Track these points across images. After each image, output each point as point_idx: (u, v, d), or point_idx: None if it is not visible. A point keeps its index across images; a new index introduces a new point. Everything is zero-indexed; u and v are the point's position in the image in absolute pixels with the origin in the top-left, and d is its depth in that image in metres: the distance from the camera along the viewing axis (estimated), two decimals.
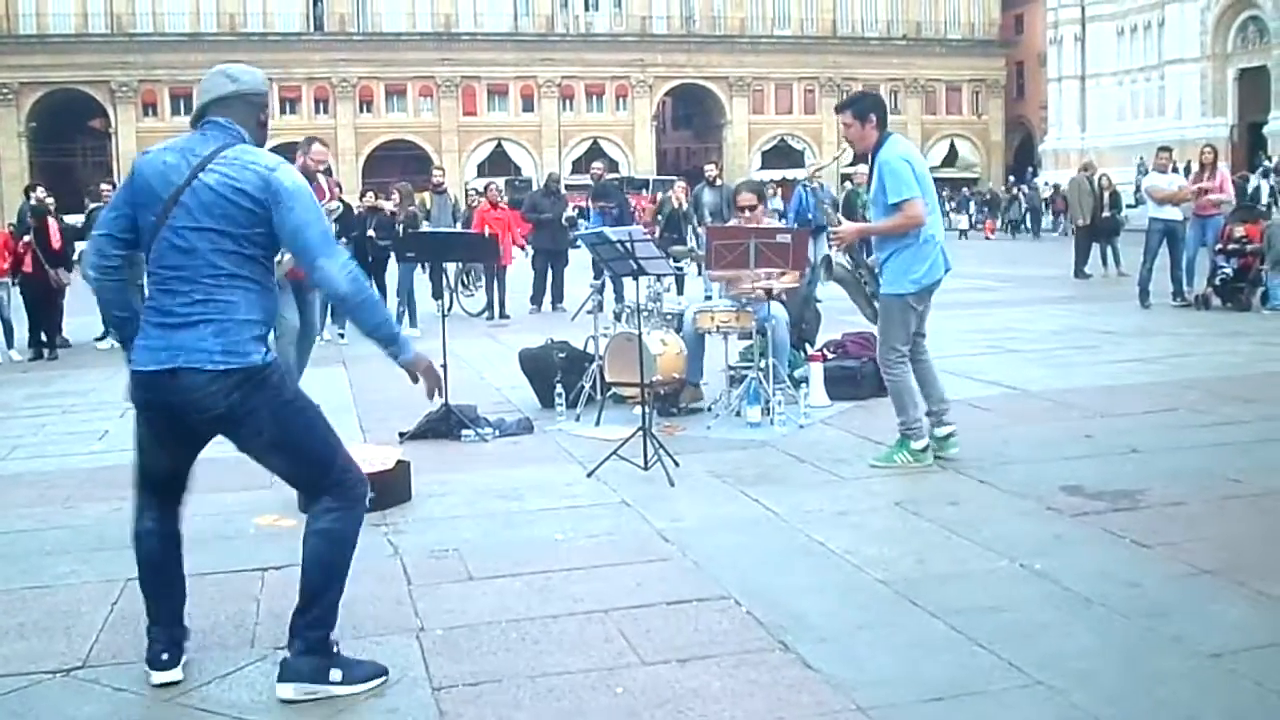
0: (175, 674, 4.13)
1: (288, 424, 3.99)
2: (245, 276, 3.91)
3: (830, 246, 7.79)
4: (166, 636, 4.16)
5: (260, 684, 4.12)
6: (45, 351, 14.47)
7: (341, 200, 11.38)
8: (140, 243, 3.99)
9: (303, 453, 4.05)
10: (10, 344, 14.55)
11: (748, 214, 9.41)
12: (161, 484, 4.19)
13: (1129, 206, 27.54)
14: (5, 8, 55.98)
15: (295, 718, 3.89)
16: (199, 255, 3.85)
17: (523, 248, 18.94)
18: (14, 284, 14.73)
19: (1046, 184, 47.85)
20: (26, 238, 14.47)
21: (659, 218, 18.70)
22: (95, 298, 4.14)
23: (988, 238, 39.59)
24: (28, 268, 14.49)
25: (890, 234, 7.05)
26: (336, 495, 4.06)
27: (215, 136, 3.97)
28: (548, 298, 17.90)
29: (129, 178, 4.02)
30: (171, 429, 4.01)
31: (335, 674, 4.01)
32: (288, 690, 3.97)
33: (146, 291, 3.99)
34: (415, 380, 4.20)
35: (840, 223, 7.71)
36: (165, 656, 4.13)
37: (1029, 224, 44.23)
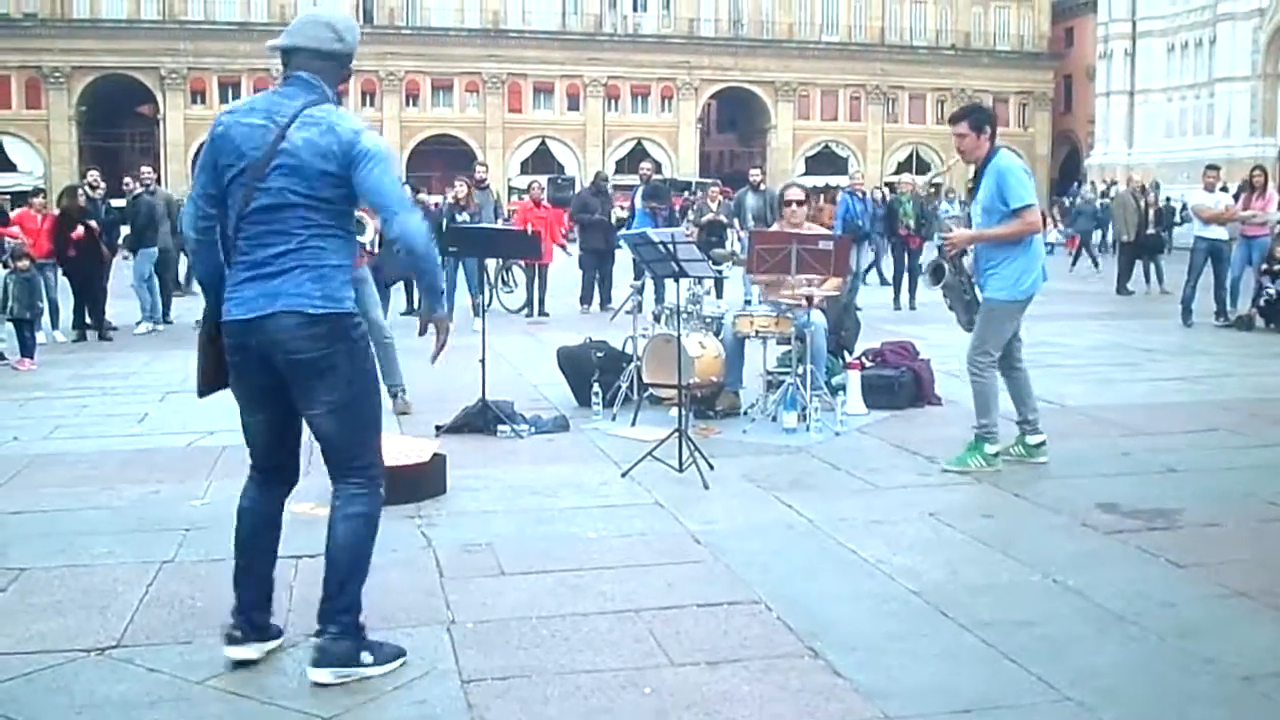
0: (244, 651, 4.18)
1: (360, 389, 4.08)
2: (334, 227, 4.00)
3: (939, 252, 7.72)
4: (242, 617, 4.21)
5: (292, 669, 4.16)
6: (97, 333, 14.61)
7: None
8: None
9: (360, 423, 4.11)
10: (55, 325, 14.69)
11: (793, 208, 9.51)
12: (265, 458, 4.25)
13: (1174, 224, 27.37)
14: None
15: (325, 705, 3.90)
16: (294, 212, 3.93)
17: (563, 246, 18.92)
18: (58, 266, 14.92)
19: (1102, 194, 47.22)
20: (79, 230, 14.62)
21: (698, 224, 18.55)
22: (192, 257, 4.33)
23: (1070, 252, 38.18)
24: (72, 250, 14.62)
25: (1005, 240, 7.13)
26: (366, 479, 4.13)
27: (298, 94, 3.99)
28: (596, 297, 17.89)
29: (213, 138, 4.06)
30: (260, 378, 4.07)
31: (366, 656, 4.08)
32: (324, 675, 4.01)
33: (234, 246, 4.03)
34: (423, 332, 4.31)
35: (952, 229, 7.67)
36: (238, 634, 4.19)
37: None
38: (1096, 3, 61.09)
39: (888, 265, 20.52)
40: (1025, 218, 7.10)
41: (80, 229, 14.56)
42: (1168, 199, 23.55)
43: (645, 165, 20.58)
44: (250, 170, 3.92)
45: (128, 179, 16.63)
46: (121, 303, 15.75)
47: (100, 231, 15.01)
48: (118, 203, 17.06)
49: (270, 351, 3.98)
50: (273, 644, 4.29)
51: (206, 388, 4.29)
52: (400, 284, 16.18)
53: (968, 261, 7.53)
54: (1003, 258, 7.16)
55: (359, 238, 8.60)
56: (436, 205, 16.93)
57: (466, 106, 62.13)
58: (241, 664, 4.16)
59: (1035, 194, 7.29)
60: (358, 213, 8.30)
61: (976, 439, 7.25)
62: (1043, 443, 7.45)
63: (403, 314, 16.28)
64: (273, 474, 4.27)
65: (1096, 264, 28.44)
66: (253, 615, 4.22)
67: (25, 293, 12.70)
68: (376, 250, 9.25)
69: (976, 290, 7.42)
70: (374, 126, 4.21)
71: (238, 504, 4.30)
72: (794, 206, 9.62)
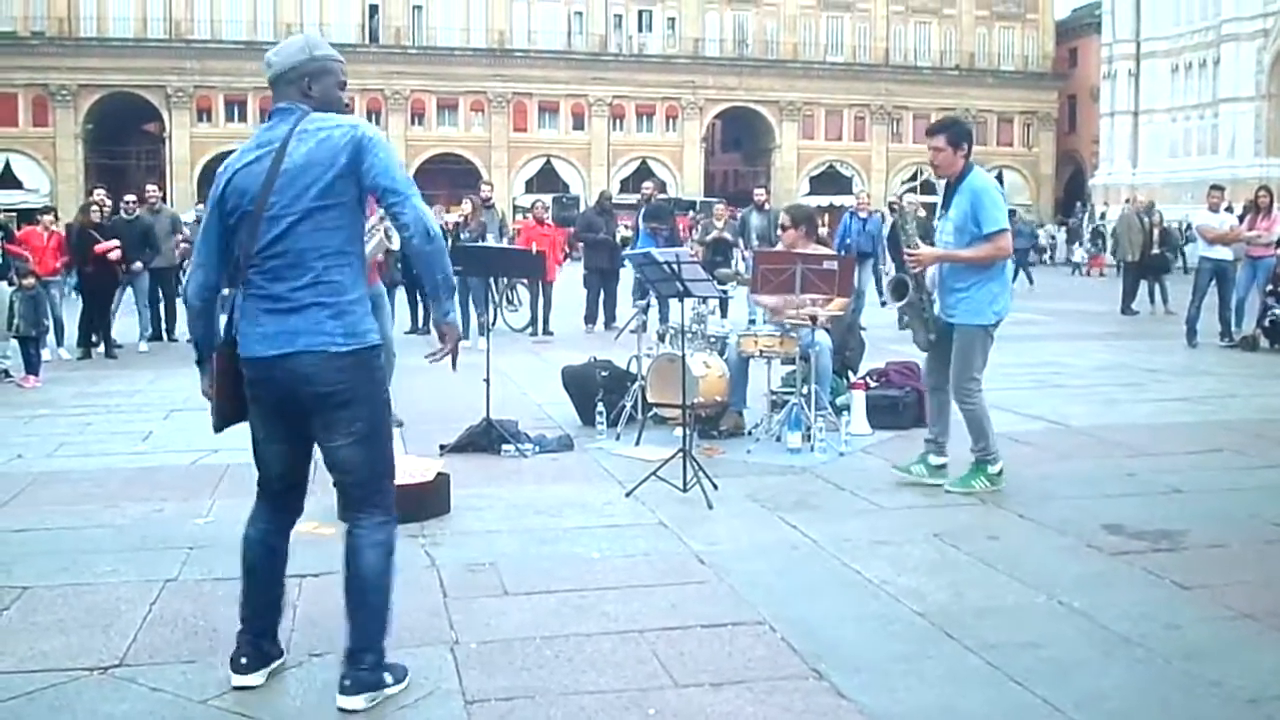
0: (250, 679, 4.17)
1: (379, 421, 4.09)
2: (348, 252, 3.98)
3: (902, 269, 7.65)
4: (248, 642, 4.21)
5: (295, 689, 4.15)
6: (106, 350, 14.65)
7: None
8: (227, 263, 4.09)
9: (380, 453, 4.11)
10: (60, 342, 14.71)
11: (780, 232, 9.62)
12: (276, 486, 4.24)
13: (1181, 245, 27.39)
14: (67, 10, 56.72)
15: None
16: (302, 237, 3.92)
17: (559, 264, 18.91)
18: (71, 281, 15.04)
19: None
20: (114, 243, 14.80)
21: (703, 242, 18.57)
22: (190, 324, 4.25)
23: (1102, 273, 37.55)
24: (90, 265, 14.73)
25: (976, 263, 7.05)
26: (386, 507, 4.13)
27: (281, 121, 4.03)
28: (600, 316, 17.92)
29: (219, 191, 4.06)
30: (282, 410, 4.07)
31: (388, 677, 4.08)
32: (359, 701, 3.98)
33: (245, 281, 4.02)
34: (442, 342, 4.24)
35: (918, 246, 7.44)
36: (244, 661, 4.18)
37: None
38: (1101, 23, 61.27)
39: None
40: (997, 242, 7.02)
41: (116, 252, 14.75)
42: (1164, 221, 23.44)
43: (647, 185, 20.50)
44: (259, 201, 3.93)
45: (128, 197, 16.62)
46: (125, 320, 15.76)
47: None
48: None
49: (294, 386, 3.97)
50: (274, 664, 4.29)
51: (223, 423, 4.25)
52: (385, 296, 16.15)
53: (929, 279, 7.42)
54: (972, 281, 7.06)
55: (389, 244, 8.71)
56: (445, 225, 16.99)
57: (472, 125, 62.31)
58: (242, 689, 4.14)
59: (1008, 218, 7.21)
60: (384, 223, 8.51)
61: (978, 461, 7.23)
62: (944, 465, 7.35)
63: (406, 333, 16.30)
64: (281, 500, 4.26)
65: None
66: (260, 643, 4.22)
67: (31, 310, 12.72)
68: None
69: (934, 309, 7.35)
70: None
71: (244, 532, 4.28)
72: (780, 231, 9.74)
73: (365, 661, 4.02)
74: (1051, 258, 46.76)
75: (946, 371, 7.32)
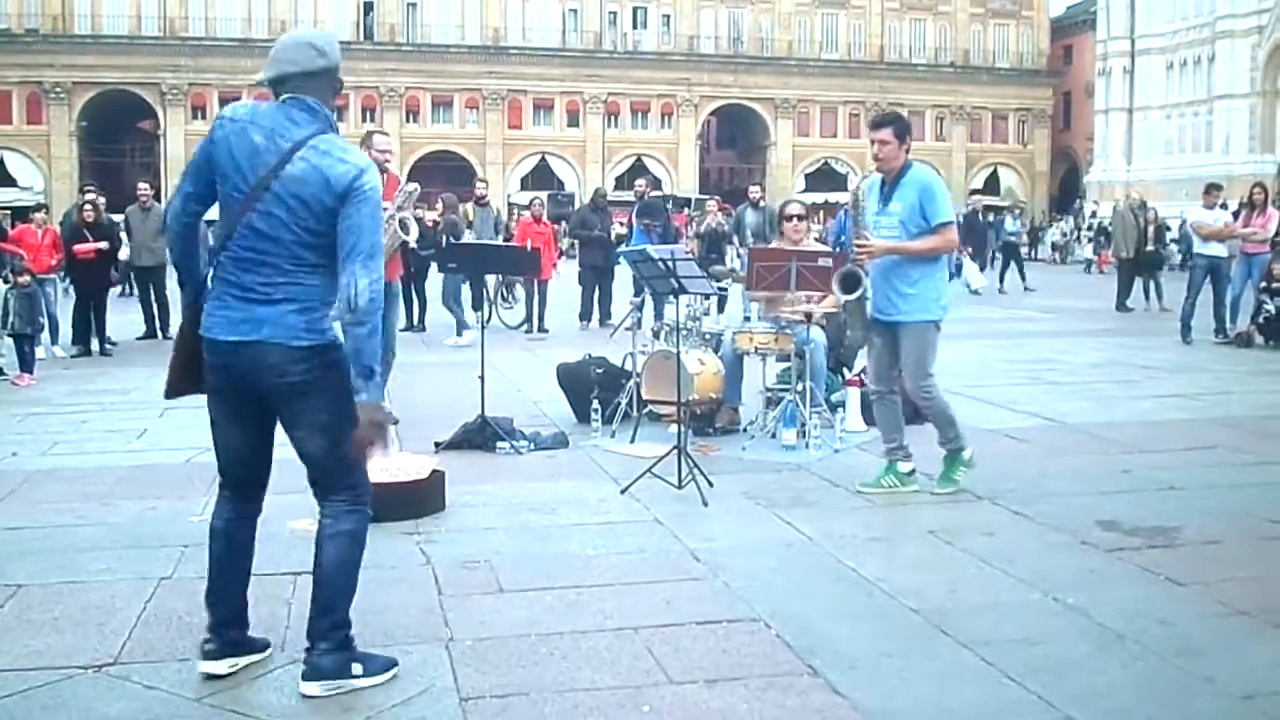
0: (214, 666, 4.18)
1: (344, 410, 4.02)
2: (325, 265, 3.95)
3: (852, 262, 7.53)
4: (214, 632, 4.22)
5: (290, 687, 4.14)
6: (100, 347, 14.66)
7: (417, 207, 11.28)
8: (212, 199, 4.07)
9: (344, 442, 4.08)
10: (55, 340, 14.68)
11: (795, 223, 9.52)
12: (237, 476, 4.25)
13: (1174, 241, 27.34)
14: (62, 8, 56.65)
15: None
16: (283, 244, 3.92)
17: (554, 264, 18.92)
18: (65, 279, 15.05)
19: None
20: (103, 245, 14.91)
21: (699, 238, 18.58)
22: (169, 242, 4.24)
23: (1102, 271, 37.68)
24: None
25: (924, 256, 7.03)
26: (352, 496, 4.14)
27: (303, 120, 3.98)
28: (595, 313, 17.93)
29: (210, 143, 4.03)
30: (240, 398, 4.08)
31: (356, 668, 4.09)
32: (314, 688, 4.03)
33: (217, 262, 4.02)
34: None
35: (868, 238, 7.16)
36: (209, 648, 4.20)
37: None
38: (1095, 20, 61.35)
39: None
40: (945, 234, 7.02)
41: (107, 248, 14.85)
42: (1158, 218, 23.35)
43: (640, 182, 20.42)
44: (250, 191, 3.91)
45: (88, 196, 16.49)
46: (118, 317, 15.74)
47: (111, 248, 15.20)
48: (116, 217, 17.11)
49: (254, 375, 3.99)
50: (252, 658, 4.29)
51: (174, 390, 4.28)
52: (399, 297, 16.20)
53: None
54: (919, 276, 7.01)
55: (404, 236, 8.74)
56: (435, 223, 17.01)
57: (466, 122, 62.32)
58: (212, 678, 4.16)
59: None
60: (400, 214, 8.58)
61: (951, 454, 7.18)
62: (913, 470, 7.26)
63: (401, 330, 16.26)
64: (242, 490, 4.26)
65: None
66: (226, 632, 4.23)
67: (26, 308, 12.70)
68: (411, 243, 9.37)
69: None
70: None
71: (209, 524, 4.30)
72: (795, 222, 9.65)
73: (318, 649, 4.06)
74: (1062, 256, 46.85)
75: (891, 374, 7.30)
